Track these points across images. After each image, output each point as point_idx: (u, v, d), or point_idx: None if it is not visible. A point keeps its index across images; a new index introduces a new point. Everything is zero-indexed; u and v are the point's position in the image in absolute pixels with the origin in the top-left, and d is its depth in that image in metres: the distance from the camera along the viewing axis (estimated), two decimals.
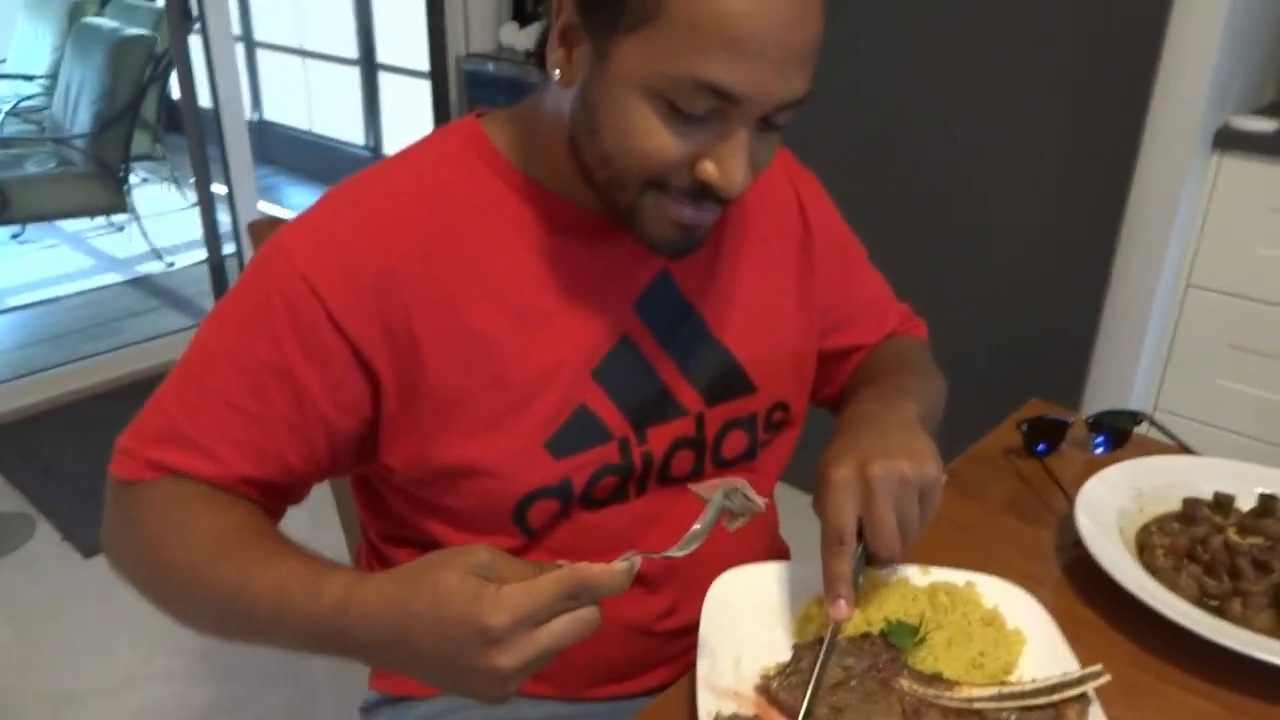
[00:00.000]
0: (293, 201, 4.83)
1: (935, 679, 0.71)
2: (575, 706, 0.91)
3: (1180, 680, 0.76)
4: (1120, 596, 0.81)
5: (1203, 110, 1.78)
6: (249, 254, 0.95)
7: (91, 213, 3.91)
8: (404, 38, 4.32)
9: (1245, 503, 0.92)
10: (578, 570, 0.58)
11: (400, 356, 0.76)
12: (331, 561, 0.69)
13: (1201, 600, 0.82)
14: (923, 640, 0.75)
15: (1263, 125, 1.83)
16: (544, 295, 0.80)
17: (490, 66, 3.24)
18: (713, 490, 0.67)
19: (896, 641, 0.74)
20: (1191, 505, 0.91)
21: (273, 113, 5.36)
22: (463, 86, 3.36)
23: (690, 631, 0.87)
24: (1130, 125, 1.83)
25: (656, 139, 0.69)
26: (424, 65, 3.49)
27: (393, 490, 0.86)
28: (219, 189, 3.14)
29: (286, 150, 5.23)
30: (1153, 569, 0.85)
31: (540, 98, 0.80)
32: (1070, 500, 0.92)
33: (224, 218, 3.18)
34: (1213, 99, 1.79)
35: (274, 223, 0.98)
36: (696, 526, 0.66)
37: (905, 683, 0.70)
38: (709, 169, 0.70)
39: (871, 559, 0.75)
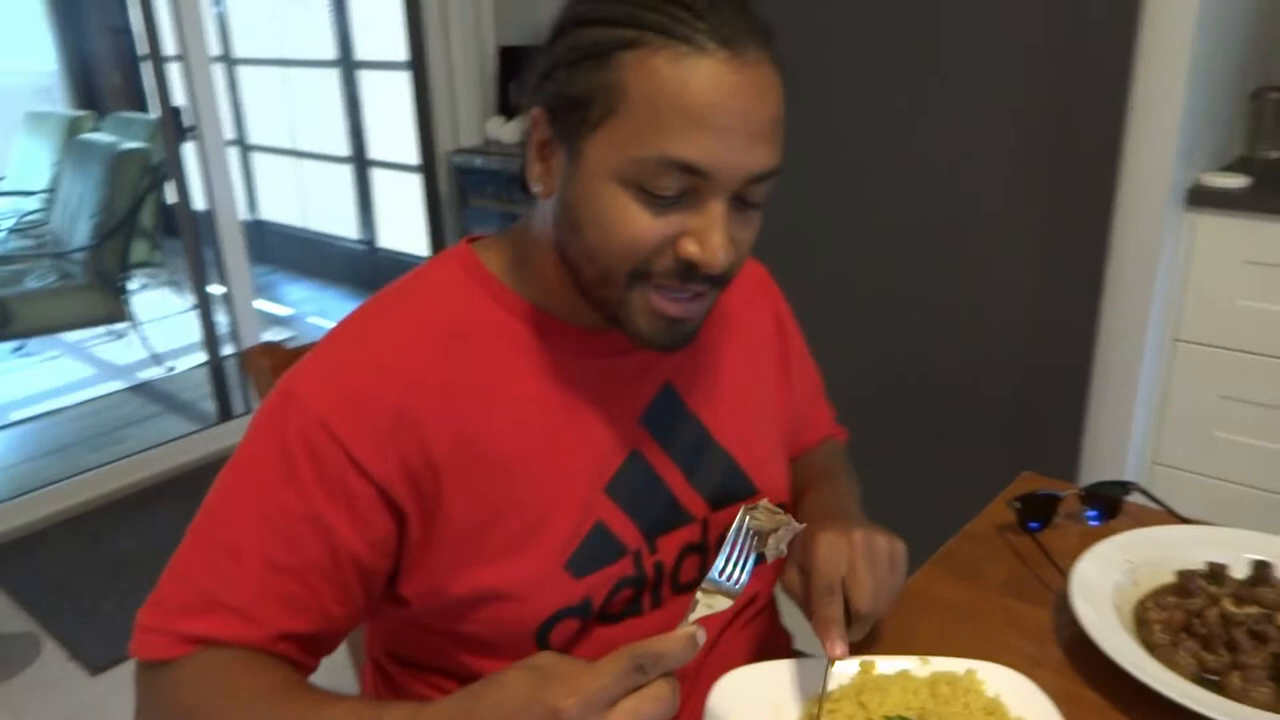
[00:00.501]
0: (290, 298, 4.89)
1: None
2: None
3: None
4: (1121, 676, 0.81)
5: (1172, 169, 1.82)
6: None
7: (92, 324, 3.96)
8: (394, 134, 4.42)
9: (1239, 570, 0.93)
10: (632, 646, 0.58)
11: (421, 492, 0.77)
12: (386, 700, 0.70)
13: (1201, 676, 0.82)
14: None
15: (1233, 181, 1.88)
16: (553, 416, 0.82)
17: (479, 160, 3.31)
18: (738, 520, 0.68)
19: None
20: (1186, 578, 0.92)
21: (268, 212, 5.46)
22: (453, 179, 3.43)
23: None
24: (1103, 188, 1.87)
25: (635, 224, 0.72)
26: (414, 159, 3.58)
27: (403, 617, 0.86)
28: (217, 289, 3.20)
29: (282, 248, 5.32)
30: (1150, 645, 0.85)
31: (528, 221, 0.83)
32: (1066, 577, 0.92)
33: (222, 319, 3.23)
34: (1181, 157, 1.83)
35: (268, 348, 1.01)
36: (726, 553, 0.66)
37: None
38: (689, 247, 0.72)
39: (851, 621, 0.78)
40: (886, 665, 0.82)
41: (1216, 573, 0.92)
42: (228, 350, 3.28)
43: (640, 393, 0.87)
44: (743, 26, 0.70)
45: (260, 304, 3.51)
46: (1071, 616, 0.88)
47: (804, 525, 0.71)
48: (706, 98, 0.68)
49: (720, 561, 0.66)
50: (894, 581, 0.80)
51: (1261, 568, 0.92)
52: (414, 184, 3.69)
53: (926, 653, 0.84)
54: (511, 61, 3.37)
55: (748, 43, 0.70)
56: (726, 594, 0.65)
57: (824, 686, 0.74)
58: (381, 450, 0.75)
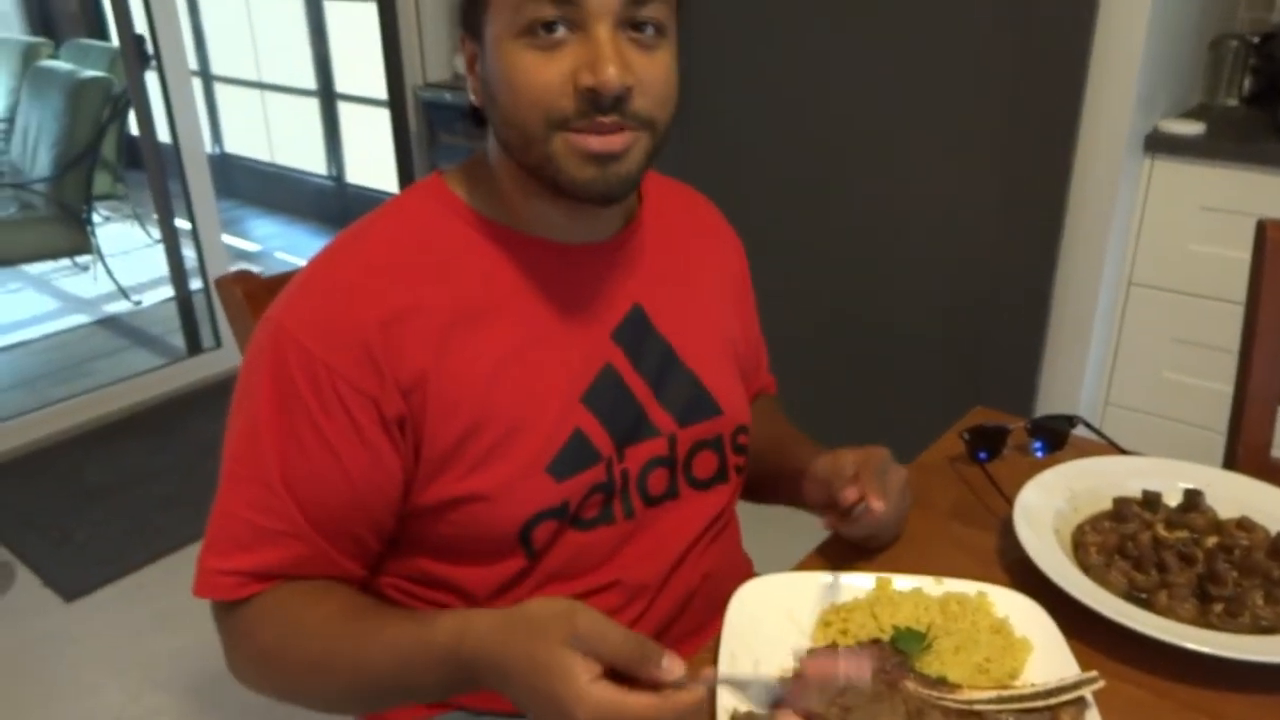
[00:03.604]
0: (258, 233, 4.84)
1: (940, 682, 0.76)
2: None
3: (1115, 670, 0.81)
4: (1059, 594, 0.86)
5: (1132, 116, 1.86)
6: (216, 292, 0.99)
7: (56, 255, 3.91)
8: (362, 68, 4.35)
9: (1173, 499, 0.98)
10: (669, 702, 0.64)
11: (411, 405, 0.81)
12: (433, 615, 0.76)
13: (1131, 594, 0.88)
14: (929, 646, 0.80)
15: (1190, 128, 1.92)
16: (530, 332, 0.86)
17: (448, 95, 3.28)
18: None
19: (904, 647, 0.79)
20: (1121, 504, 0.97)
21: (234, 145, 5.37)
22: (422, 115, 3.40)
23: None
24: (1064, 133, 1.90)
25: (532, 71, 0.77)
26: (382, 94, 3.53)
27: None
28: (183, 224, 3.16)
29: (248, 182, 5.24)
30: (1086, 566, 0.91)
31: (485, 146, 0.88)
32: (1010, 504, 0.98)
33: (189, 253, 3.21)
34: (1141, 104, 1.87)
35: (241, 277, 1.02)
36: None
37: (911, 685, 0.75)
38: (585, 77, 0.76)
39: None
40: (902, 583, 0.88)
41: (1151, 500, 0.98)
42: (195, 285, 3.26)
43: (611, 311, 0.91)
44: None
45: (227, 239, 3.47)
46: (1015, 541, 0.93)
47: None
48: None
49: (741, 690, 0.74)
50: (906, 495, 0.93)
51: (1193, 496, 0.98)
52: (382, 119, 3.64)
53: (881, 570, 0.89)
54: None
55: None
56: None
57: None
58: (375, 368, 0.79)
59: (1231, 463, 1.22)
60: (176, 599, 2.19)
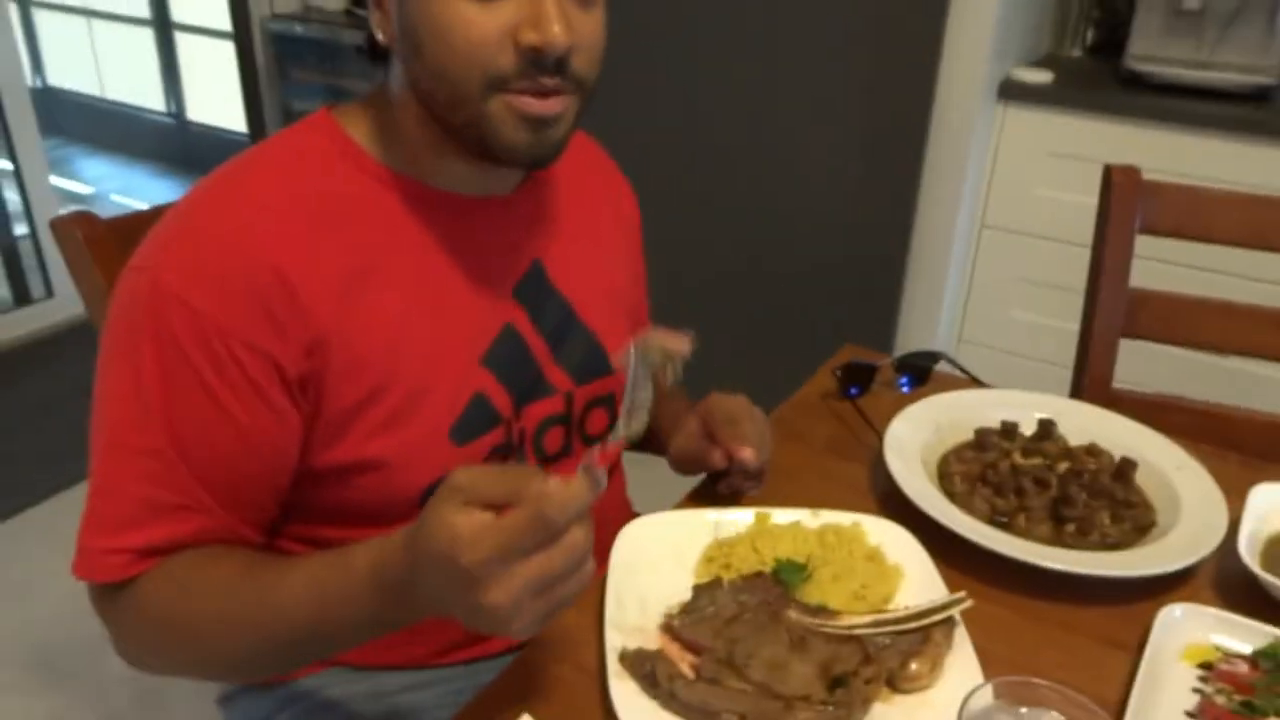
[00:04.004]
0: (89, 174, 4.50)
1: (820, 610, 0.79)
2: (431, 673, 0.94)
3: (979, 590, 0.85)
4: (927, 521, 0.90)
5: (987, 63, 1.92)
6: (47, 238, 0.89)
7: None
8: None
9: (1029, 428, 1.04)
10: (537, 499, 0.56)
11: (313, 363, 0.75)
12: (341, 552, 0.68)
13: (993, 518, 0.93)
14: (809, 576, 0.82)
15: (1040, 77, 2.00)
16: (430, 290, 0.82)
17: (298, 27, 3.11)
18: (627, 356, 0.66)
19: (785, 578, 0.82)
20: (982, 434, 1.02)
21: (57, 79, 4.95)
22: (270, 48, 3.21)
23: None
24: (923, 82, 1.96)
25: (469, 23, 0.71)
26: (225, 25, 3.31)
27: None
28: (2, 164, 2.90)
29: (77, 119, 4.85)
30: (951, 494, 0.95)
31: (385, 84, 0.82)
32: (881, 437, 1.01)
33: (11, 195, 2.95)
34: (995, 52, 1.94)
35: (81, 218, 0.94)
36: (634, 396, 0.65)
37: (793, 614, 0.77)
38: (528, 34, 0.72)
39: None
40: (780, 516, 0.90)
41: (1009, 430, 1.03)
42: (20, 230, 3.00)
43: (512, 268, 0.88)
44: None
45: (55, 180, 3.21)
46: (886, 472, 0.96)
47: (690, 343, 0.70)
48: None
49: (625, 403, 0.65)
50: (768, 433, 0.94)
51: (1046, 425, 1.04)
52: (227, 51, 3.42)
53: (760, 506, 0.91)
54: None
55: None
56: (628, 434, 0.65)
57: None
58: (273, 325, 0.73)
59: (1078, 393, 1.30)
60: (18, 568, 2.06)
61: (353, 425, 0.79)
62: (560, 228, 0.93)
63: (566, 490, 0.56)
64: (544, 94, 0.75)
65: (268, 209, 0.76)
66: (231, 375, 0.72)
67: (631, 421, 0.65)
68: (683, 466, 0.99)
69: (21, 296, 3.03)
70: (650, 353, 0.65)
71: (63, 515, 2.19)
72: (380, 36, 0.78)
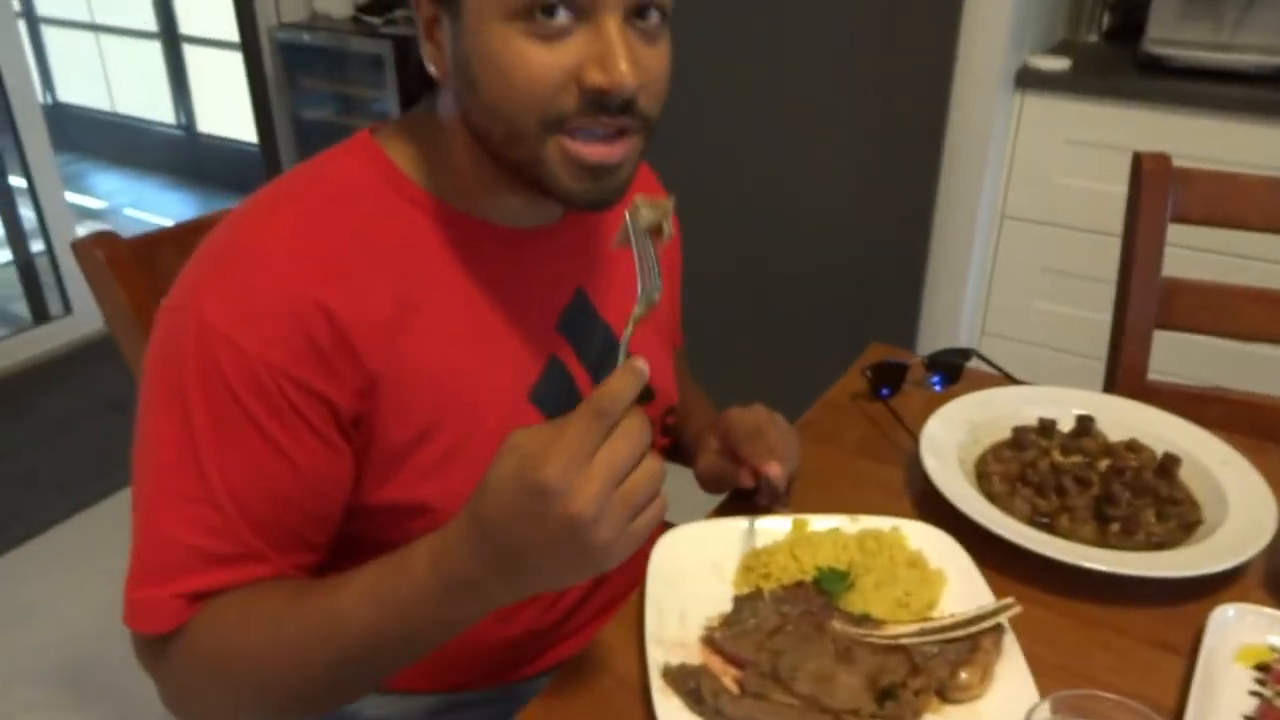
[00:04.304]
0: (101, 189, 4.51)
1: (864, 619, 0.77)
2: (468, 693, 0.93)
3: (1022, 593, 0.84)
4: (966, 523, 0.88)
5: (1004, 52, 1.90)
6: (64, 255, 0.87)
7: None
8: (207, 7, 4.07)
9: (1066, 425, 1.02)
10: (586, 402, 0.56)
11: (365, 404, 0.73)
12: (394, 558, 0.66)
13: (1034, 519, 0.91)
14: (852, 585, 0.81)
15: (1057, 64, 1.98)
16: (476, 325, 0.79)
17: (306, 36, 3.11)
18: (623, 229, 0.65)
19: (828, 587, 0.80)
20: (1020, 433, 1.00)
21: (67, 94, 4.97)
22: (278, 58, 3.21)
23: (569, 619, 0.91)
24: (940, 70, 1.94)
25: (530, 61, 0.67)
26: (233, 36, 3.31)
27: None
28: (17, 182, 2.91)
29: (88, 134, 4.87)
30: (991, 495, 0.93)
31: (431, 110, 0.78)
32: (915, 438, 0.99)
33: (26, 213, 2.96)
34: (1012, 40, 1.91)
35: (103, 239, 0.93)
36: (643, 265, 0.64)
37: (837, 624, 0.76)
38: (593, 75, 0.68)
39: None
40: (818, 523, 0.88)
41: (1046, 427, 1.01)
42: (37, 247, 3.01)
43: (555, 298, 0.85)
44: None
45: (70, 197, 3.21)
46: (921, 472, 0.95)
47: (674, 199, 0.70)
48: None
49: (639, 274, 0.64)
50: (793, 439, 0.92)
51: (1084, 421, 1.02)
52: (235, 62, 3.42)
53: (796, 512, 0.90)
54: None
55: None
56: (650, 300, 0.65)
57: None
58: (326, 366, 0.70)
59: (1111, 386, 1.28)
60: (38, 589, 2.06)
61: (403, 465, 0.76)
62: (603, 253, 0.90)
63: (613, 382, 0.57)
64: (606, 138, 0.71)
65: (313, 243, 0.72)
66: (285, 415, 0.69)
67: (647, 285, 0.64)
68: (709, 486, 0.97)
69: (40, 314, 3.04)
70: (640, 217, 0.64)
71: (84, 534, 2.21)
72: (433, 70, 0.74)
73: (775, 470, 0.86)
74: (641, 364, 0.58)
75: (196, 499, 0.69)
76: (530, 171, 0.73)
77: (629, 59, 0.68)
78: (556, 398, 0.84)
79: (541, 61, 0.67)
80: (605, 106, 0.69)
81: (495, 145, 0.73)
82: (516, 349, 0.82)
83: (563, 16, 0.67)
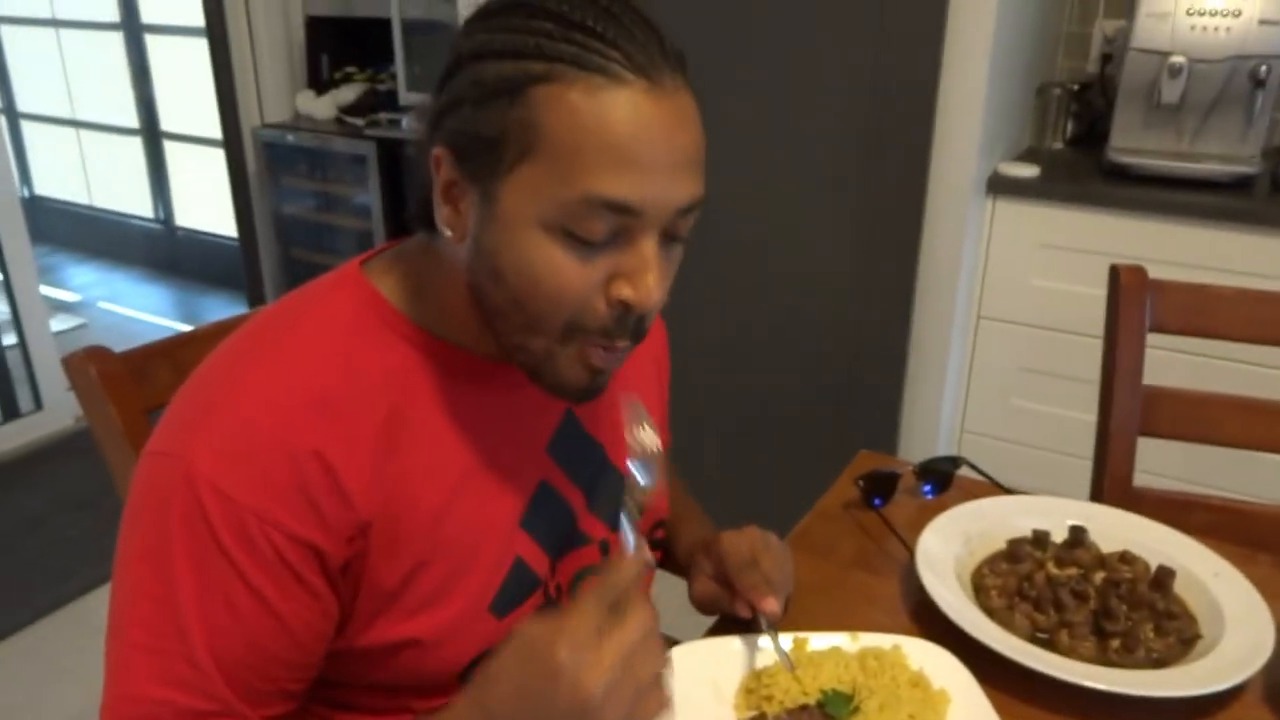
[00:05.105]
0: (75, 281, 4.49)
1: None
2: None
3: (1022, 712, 0.83)
4: (965, 639, 0.88)
5: (975, 160, 1.96)
6: (37, 349, 0.85)
7: None
8: (190, 105, 4.12)
9: (1058, 534, 1.02)
10: (598, 584, 0.60)
11: (354, 549, 0.72)
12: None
13: (1034, 636, 0.91)
14: (857, 708, 0.80)
15: (1026, 171, 2.05)
16: (465, 457, 0.78)
17: (289, 136, 3.15)
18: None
19: (833, 711, 0.79)
20: (1015, 545, 1.00)
21: (44, 186, 4.99)
22: (261, 156, 3.25)
23: None
24: (914, 178, 1.99)
25: (565, 273, 0.67)
26: (214, 133, 3.35)
27: None
28: None
29: (63, 226, 4.87)
30: (989, 610, 0.93)
31: (426, 245, 0.78)
32: (910, 550, 0.99)
33: (0, 305, 2.93)
34: (982, 149, 1.98)
35: (94, 354, 0.92)
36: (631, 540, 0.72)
37: None
38: (623, 289, 0.68)
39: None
40: (818, 641, 0.87)
41: (1040, 538, 1.02)
42: (9, 340, 2.98)
43: (544, 423, 0.85)
44: (656, 53, 0.66)
45: (43, 289, 3.20)
46: (918, 585, 0.94)
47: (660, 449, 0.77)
48: (629, 130, 0.64)
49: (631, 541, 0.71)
50: (787, 561, 0.92)
51: (1077, 532, 1.02)
52: (214, 157, 3.46)
53: (793, 629, 0.89)
54: (320, 33, 3.21)
55: (663, 69, 0.66)
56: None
57: (776, 644, 0.85)
58: (316, 515, 0.68)
59: (1098, 494, 1.29)
60: (4, 694, 1.98)
61: (394, 604, 0.74)
62: None
63: (617, 564, 0.61)
64: (615, 347, 0.73)
65: (302, 385, 0.70)
66: (273, 567, 0.67)
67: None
68: (704, 609, 0.96)
69: (10, 410, 2.98)
70: (629, 507, 0.72)
71: (48, 641, 2.13)
72: (448, 233, 0.72)
73: (772, 606, 0.86)
74: (649, 556, 0.62)
75: (171, 653, 0.67)
76: (531, 359, 0.73)
77: (659, 279, 0.70)
78: (547, 521, 0.83)
79: (579, 274, 0.68)
80: (624, 321, 0.70)
81: (505, 329, 0.73)
82: (508, 478, 0.81)
83: (604, 236, 0.67)
